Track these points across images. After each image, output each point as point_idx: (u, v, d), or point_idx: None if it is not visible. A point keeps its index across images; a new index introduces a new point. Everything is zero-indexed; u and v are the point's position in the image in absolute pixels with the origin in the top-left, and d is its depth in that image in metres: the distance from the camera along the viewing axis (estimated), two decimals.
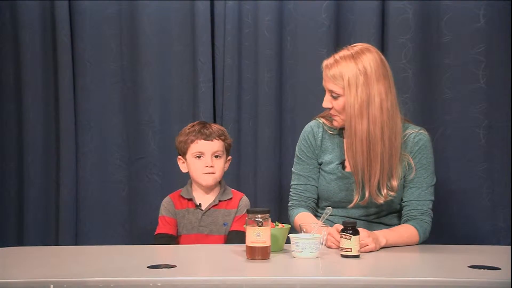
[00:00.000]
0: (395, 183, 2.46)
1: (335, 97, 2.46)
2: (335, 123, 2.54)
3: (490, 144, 2.95)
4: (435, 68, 3.00)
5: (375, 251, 2.29)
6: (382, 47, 2.99)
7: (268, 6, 3.09)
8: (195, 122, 2.76)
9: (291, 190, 2.65)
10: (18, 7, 3.20)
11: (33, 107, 3.21)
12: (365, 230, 2.30)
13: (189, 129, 2.71)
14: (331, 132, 2.59)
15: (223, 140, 2.70)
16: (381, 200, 2.46)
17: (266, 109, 3.12)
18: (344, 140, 2.56)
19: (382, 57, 2.48)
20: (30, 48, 3.20)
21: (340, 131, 2.58)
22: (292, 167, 2.66)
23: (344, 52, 2.47)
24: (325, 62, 2.49)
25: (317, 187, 2.60)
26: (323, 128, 2.61)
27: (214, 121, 3.08)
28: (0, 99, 3.26)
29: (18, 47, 3.22)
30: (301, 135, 2.65)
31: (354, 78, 2.41)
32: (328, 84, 2.47)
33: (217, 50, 3.16)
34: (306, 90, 3.08)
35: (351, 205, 2.49)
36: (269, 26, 3.10)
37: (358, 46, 2.49)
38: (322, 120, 2.63)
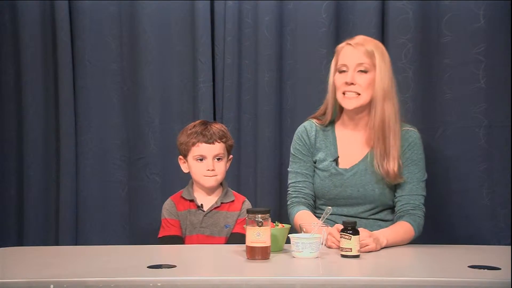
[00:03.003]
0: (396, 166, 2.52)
1: (364, 71, 2.51)
2: (348, 104, 2.53)
3: (490, 144, 2.94)
4: (435, 68, 2.99)
5: (375, 251, 2.29)
6: None
7: (268, 6, 3.09)
8: (197, 122, 2.75)
9: (289, 188, 2.65)
10: (18, 7, 3.20)
11: (33, 107, 3.21)
12: (366, 230, 2.30)
13: (190, 129, 2.70)
14: (320, 126, 2.62)
15: (225, 142, 2.70)
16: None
17: (266, 109, 3.12)
18: (341, 123, 2.60)
19: None
20: (30, 48, 3.20)
21: (332, 128, 2.61)
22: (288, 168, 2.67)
23: (362, 36, 2.58)
24: (354, 41, 2.55)
25: (313, 185, 2.61)
26: (316, 127, 2.63)
27: (214, 121, 3.08)
28: (0, 99, 3.26)
29: (18, 47, 3.22)
30: (295, 135, 2.67)
31: (385, 56, 2.53)
32: (359, 60, 2.51)
33: (217, 50, 3.16)
34: (306, 90, 3.08)
35: None
36: (269, 26, 3.09)
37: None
38: (314, 120, 2.66)
